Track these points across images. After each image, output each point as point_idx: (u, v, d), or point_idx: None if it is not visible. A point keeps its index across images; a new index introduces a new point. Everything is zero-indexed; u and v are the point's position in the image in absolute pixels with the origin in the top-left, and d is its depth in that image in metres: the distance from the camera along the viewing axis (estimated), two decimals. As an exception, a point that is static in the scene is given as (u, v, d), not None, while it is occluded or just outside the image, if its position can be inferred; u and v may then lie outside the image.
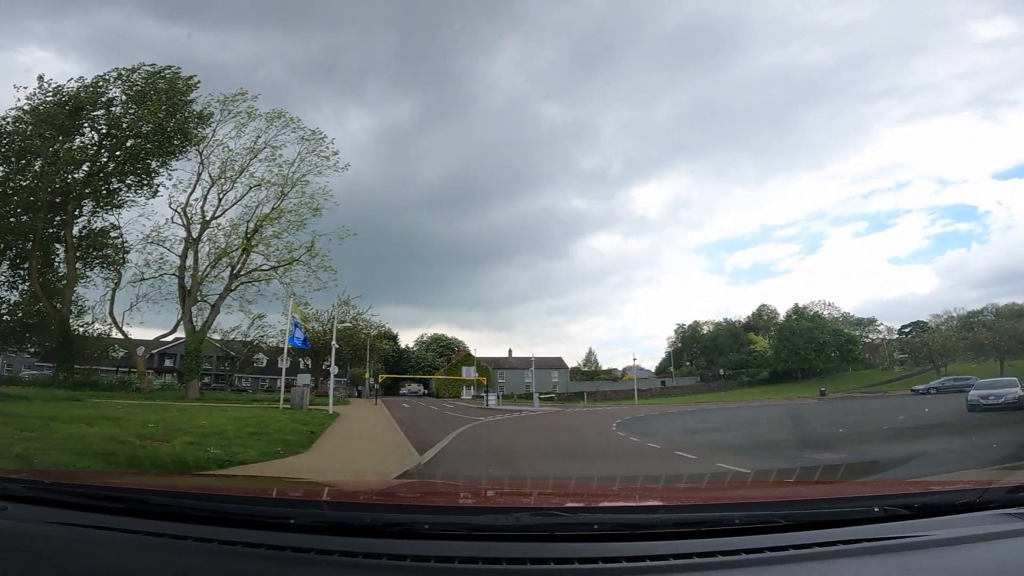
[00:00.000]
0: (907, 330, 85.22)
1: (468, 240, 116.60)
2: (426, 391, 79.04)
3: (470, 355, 70.19)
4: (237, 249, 32.61)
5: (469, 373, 57.21)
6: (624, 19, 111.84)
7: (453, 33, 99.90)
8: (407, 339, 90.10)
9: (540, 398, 43.03)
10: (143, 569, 1.16)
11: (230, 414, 17.76)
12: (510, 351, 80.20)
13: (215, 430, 12.34)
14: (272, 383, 66.56)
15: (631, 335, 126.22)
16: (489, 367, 67.11)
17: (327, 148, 35.87)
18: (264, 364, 69.98)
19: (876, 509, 1.34)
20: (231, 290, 33.19)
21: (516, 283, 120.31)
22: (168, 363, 66.43)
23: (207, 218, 33.19)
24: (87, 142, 32.06)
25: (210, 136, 33.76)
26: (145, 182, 33.10)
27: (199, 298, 32.60)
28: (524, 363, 76.28)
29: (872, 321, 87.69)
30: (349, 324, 40.66)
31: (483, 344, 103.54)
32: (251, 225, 32.95)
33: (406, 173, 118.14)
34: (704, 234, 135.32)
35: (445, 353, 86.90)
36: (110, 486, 1.63)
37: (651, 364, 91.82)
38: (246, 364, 68.87)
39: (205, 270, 33.02)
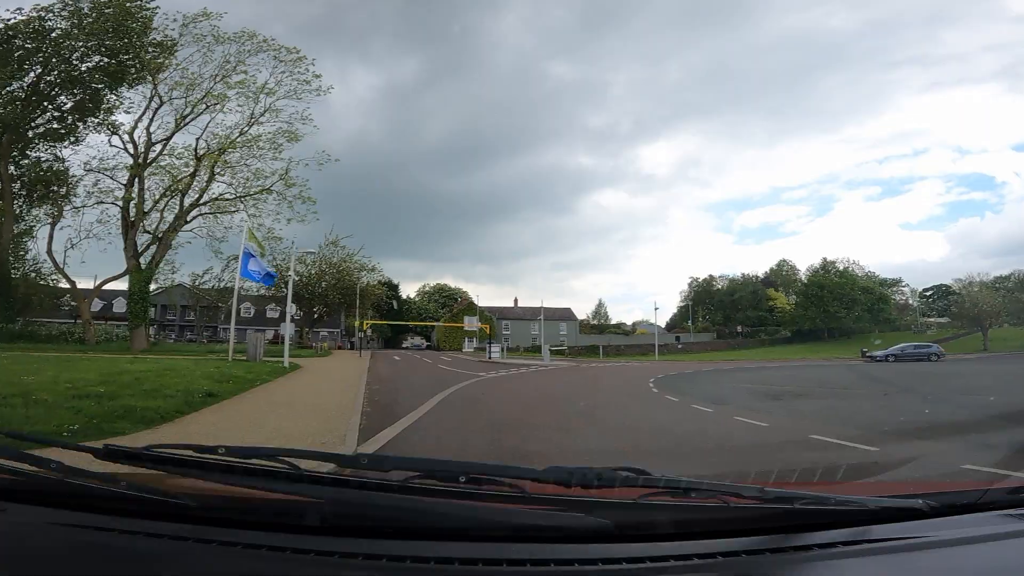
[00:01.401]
0: (928, 293, 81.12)
1: (474, 195, 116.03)
2: (429, 344, 74.98)
3: (472, 304, 65.17)
4: (187, 175, 27.09)
5: (471, 323, 52.00)
6: None
7: None
8: (412, 292, 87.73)
9: (551, 351, 37.74)
10: (143, 570, 1.15)
11: (129, 367, 12.86)
12: (516, 300, 75.69)
13: (37, 389, 7.43)
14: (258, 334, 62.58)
15: (636, 291, 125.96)
16: (493, 317, 62.03)
17: (306, 70, 29.97)
18: (252, 314, 65.39)
19: (876, 510, 1.32)
20: (186, 221, 27.90)
21: (521, 238, 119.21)
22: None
23: (154, 141, 27.55)
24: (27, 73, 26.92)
25: (168, 62, 28.19)
26: (100, 119, 27.67)
27: (148, 230, 27.34)
28: (531, 314, 71.60)
29: (897, 281, 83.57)
30: (314, 251, 34.59)
31: (488, 297, 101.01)
32: (205, 144, 27.33)
33: (412, 130, 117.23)
34: (712, 193, 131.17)
35: (448, 304, 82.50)
36: (110, 486, 1.47)
37: (659, 319, 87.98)
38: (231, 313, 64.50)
39: (156, 199, 27.65)
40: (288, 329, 19.31)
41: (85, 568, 1.15)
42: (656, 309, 62.43)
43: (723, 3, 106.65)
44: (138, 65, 27.53)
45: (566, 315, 71.61)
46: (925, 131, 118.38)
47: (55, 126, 27.97)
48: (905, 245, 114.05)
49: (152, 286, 29.56)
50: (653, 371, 23.67)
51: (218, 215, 29.51)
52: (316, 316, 45.00)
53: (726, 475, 3.84)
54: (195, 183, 28.55)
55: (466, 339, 66.47)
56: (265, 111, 29.99)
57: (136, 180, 26.91)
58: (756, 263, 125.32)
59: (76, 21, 26.43)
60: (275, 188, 30.17)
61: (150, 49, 27.77)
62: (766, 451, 6.13)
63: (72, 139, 27.92)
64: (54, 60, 26.84)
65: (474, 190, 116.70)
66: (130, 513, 1.31)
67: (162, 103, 27.41)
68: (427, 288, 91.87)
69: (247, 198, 29.50)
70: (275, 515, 1.28)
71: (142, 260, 27.57)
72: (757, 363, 34.35)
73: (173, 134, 27.92)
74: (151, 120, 27.57)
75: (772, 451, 6.12)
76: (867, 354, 38.85)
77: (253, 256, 21.18)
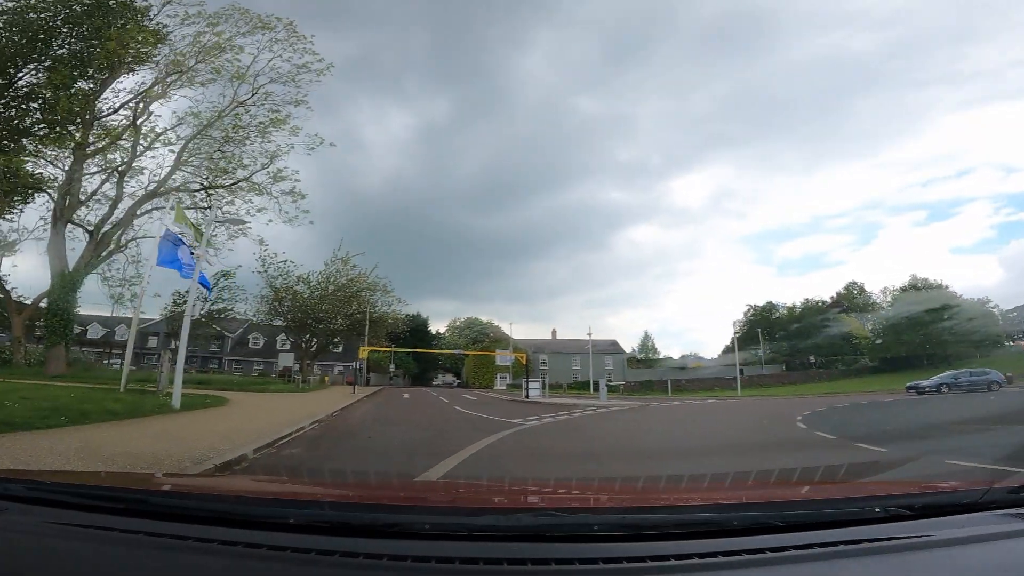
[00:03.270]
0: (1013, 314, 71.11)
1: (507, 233, 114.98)
2: (459, 381, 67.58)
3: (505, 336, 57.48)
4: (136, 156, 21.12)
5: (504, 357, 43.80)
6: (658, 8, 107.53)
7: (485, 29, 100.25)
8: (442, 327, 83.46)
9: (608, 388, 29.10)
10: (143, 569, 1.13)
11: None
12: (554, 332, 67.56)
13: None
14: (268, 367, 55.89)
15: (673, 327, 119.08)
16: (528, 350, 54.09)
17: (304, 50, 24.16)
18: (261, 344, 59.58)
19: (877, 509, 1.30)
20: (135, 215, 21.72)
21: (556, 275, 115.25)
22: (152, 342, 56.61)
23: (99, 116, 21.75)
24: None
25: (156, 50, 23.01)
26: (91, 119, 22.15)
27: (85, 226, 21.18)
28: (572, 347, 63.45)
29: (987, 302, 73.01)
30: (249, 222, 24.87)
31: (523, 333, 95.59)
32: (143, 116, 21.34)
33: (445, 169, 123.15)
34: (749, 224, 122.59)
35: (480, 339, 75.14)
36: (111, 486, 1.62)
37: (708, 352, 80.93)
38: (239, 344, 58.50)
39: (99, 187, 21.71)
40: (183, 350, 11.79)
41: (85, 568, 1.12)
42: (735, 335, 52.34)
43: (743, 31, 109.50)
44: (128, 58, 22.28)
45: (612, 348, 62.99)
46: (967, 151, 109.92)
47: (44, 129, 22.71)
48: (959, 271, 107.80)
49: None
50: (769, 409, 15.62)
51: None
52: (320, 345, 38.12)
53: (727, 475, 3.31)
54: (156, 171, 22.63)
55: (498, 376, 58.64)
56: (254, 93, 24.24)
57: (75, 163, 20.89)
58: (803, 293, 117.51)
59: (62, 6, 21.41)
60: (256, 180, 24.00)
61: (140, 37, 22.53)
62: None
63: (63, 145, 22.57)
64: (42, 56, 21.78)
65: (507, 228, 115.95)
66: (131, 513, 1.27)
67: (112, 73, 21.56)
68: (457, 322, 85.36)
69: (218, 190, 23.22)
70: (276, 514, 1.26)
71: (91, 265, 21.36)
72: (874, 396, 25.62)
73: (123, 108, 21.94)
74: (98, 89, 21.75)
75: None
76: (911, 384, 29.61)
77: (179, 243, 14.38)
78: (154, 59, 22.76)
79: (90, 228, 20.56)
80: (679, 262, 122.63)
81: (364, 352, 30.94)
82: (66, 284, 19.66)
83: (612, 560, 1.08)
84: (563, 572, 1.08)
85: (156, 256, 13.76)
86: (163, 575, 1.09)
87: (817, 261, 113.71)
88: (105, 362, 38.88)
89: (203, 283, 15.07)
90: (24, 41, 21.58)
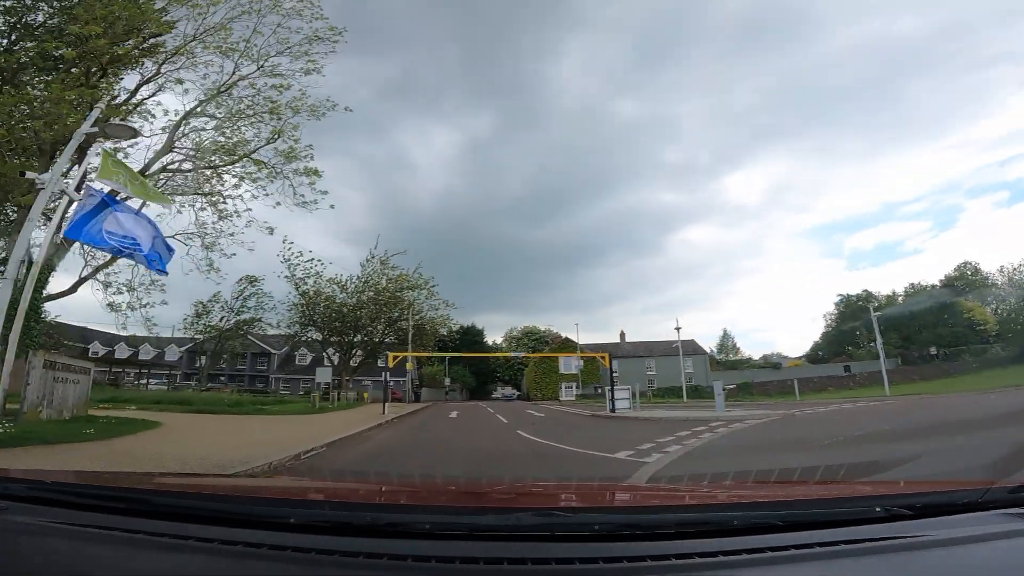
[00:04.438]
0: None
1: (559, 243, 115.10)
2: (519, 394, 62.47)
3: (570, 341, 51.50)
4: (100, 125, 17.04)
5: (569, 366, 37.71)
6: (685, 4, 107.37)
7: (517, 41, 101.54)
8: (498, 337, 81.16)
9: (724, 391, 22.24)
10: (144, 569, 1.13)
11: None
12: (622, 334, 60.97)
13: None
14: (314, 384, 52.69)
15: (737, 328, 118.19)
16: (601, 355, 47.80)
17: (313, 16, 19.81)
18: (308, 361, 56.16)
19: (878, 509, 1.30)
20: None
21: (611, 282, 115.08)
22: (199, 362, 54.37)
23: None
24: None
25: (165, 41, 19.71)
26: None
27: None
28: (643, 350, 56.69)
29: None
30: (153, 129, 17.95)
31: (582, 341, 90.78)
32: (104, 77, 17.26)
33: (492, 183, 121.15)
34: (812, 217, 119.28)
35: (539, 348, 69.88)
36: (111, 486, 1.61)
37: (793, 351, 72.94)
38: (287, 361, 55.44)
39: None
40: (11, 356, 6.76)
41: (86, 568, 1.11)
42: (826, 327, 43.38)
43: (778, 21, 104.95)
44: (137, 51, 18.89)
45: (692, 349, 55.64)
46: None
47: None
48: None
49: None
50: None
51: (181, 199, 19.23)
52: (363, 358, 33.61)
53: (727, 474, 3.43)
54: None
55: (562, 385, 52.81)
56: (260, 66, 20.10)
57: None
58: (879, 285, 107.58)
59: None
60: (262, 157, 19.72)
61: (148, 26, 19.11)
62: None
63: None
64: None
65: (558, 238, 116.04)
66: (131, 513, 1.27)
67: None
68: (514, 332, 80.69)
69: (215, 171, 19.06)
70: (277, 514, 1.26)
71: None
72: None
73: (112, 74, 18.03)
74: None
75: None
76: None
77: (108, 205, 9.74)
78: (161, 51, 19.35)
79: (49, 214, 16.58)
80: (740, 260, 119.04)
81: (398, 359, 25.72)
82: (26, 285, 15.64)
83: (612, 559, 1.07)
84: (563, 571, 1.06)
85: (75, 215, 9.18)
86: (164, 575, 1.08)
87: (892, 251, 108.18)
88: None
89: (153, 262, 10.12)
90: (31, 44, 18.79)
